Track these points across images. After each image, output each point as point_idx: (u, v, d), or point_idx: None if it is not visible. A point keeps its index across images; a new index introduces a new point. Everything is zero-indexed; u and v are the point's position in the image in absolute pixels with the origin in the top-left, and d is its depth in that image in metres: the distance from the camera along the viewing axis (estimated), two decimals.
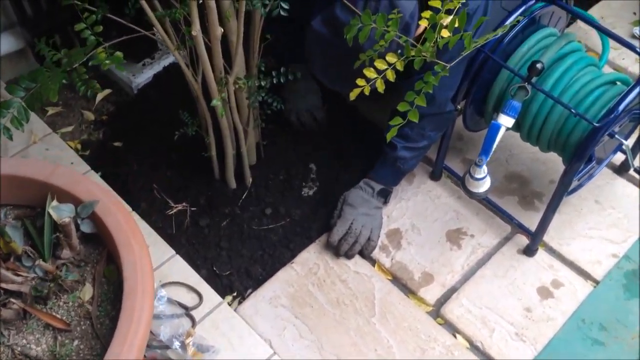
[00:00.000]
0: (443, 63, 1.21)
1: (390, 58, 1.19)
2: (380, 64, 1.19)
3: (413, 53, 1.19)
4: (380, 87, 1.20)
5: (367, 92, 1.20)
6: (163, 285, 1.75)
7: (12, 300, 1.22)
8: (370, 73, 1.19)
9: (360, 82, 1.20)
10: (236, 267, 1.94)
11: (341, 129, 2.24)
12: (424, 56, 1.18)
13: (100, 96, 2.33)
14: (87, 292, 1.29)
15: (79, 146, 2.20)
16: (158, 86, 2.33)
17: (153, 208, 2.02)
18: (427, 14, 1.18)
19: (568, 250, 1.98)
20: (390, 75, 1.20)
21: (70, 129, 2.24)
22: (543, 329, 1.83)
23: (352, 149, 2.18)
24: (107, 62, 1.38)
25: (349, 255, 1.94)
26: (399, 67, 1.20)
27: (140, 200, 2.03)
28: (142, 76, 2.32)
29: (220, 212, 2.02)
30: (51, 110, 2.27)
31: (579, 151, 1.67)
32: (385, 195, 1.99)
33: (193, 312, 1.72)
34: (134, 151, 2.14)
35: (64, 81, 1.38)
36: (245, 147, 1.95)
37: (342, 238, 1.93)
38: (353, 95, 1.21)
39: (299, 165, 2.13)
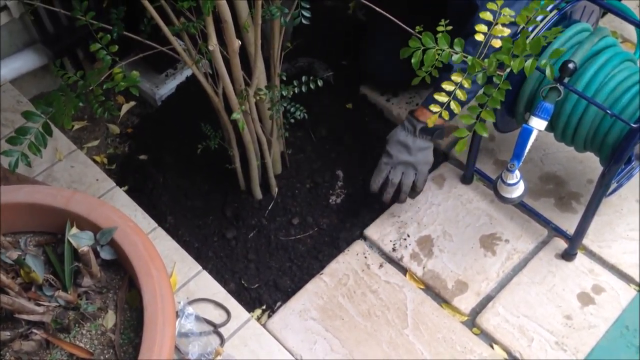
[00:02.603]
0: (501, 73, 1.18)
1: (456, 77, 1.18)
2: (447, 85, 1.19)
3: (478, 69, 1.17)
4: (457, 109, 1.20)
5: (446, 117, 1.22)
6: (191, 302, 1.73)
7: (35, 330, 1.21)
8: (441, 97, 1.19)
9: (434, 107, 1.20)
10: (264, 279, 1.91)
11: (367, 134, 2.18)
12: (484, 69, 1.17)
13: (125, 108, 2.33)
14: (109, 319, 1.28)
15: (105, 160, 2.19)
16: (181, 97, 2.31)
17: (179, 222, 2.01)
18: (482, 28, 1.17)
19: (609, 254, 1.90)
20: (462, 95, 1.19)
21: (96, 143, 2.24)
22: (585, 337, 1.76)
23: (380, 155, 2.13)
24: (122, 83, 1.36)
25: (400, 201, 1.88)
26: (467, 84, 1.19)
27: (166, 214, 2.01)
28: (165, 87, 2.30)
29: (247, 224, 1.99)
30: (77, 125, 2.27)
31: (617, 153, 1.58)
32: (431, 133, 1.80)
33: (221, 329, 1.70)
34: (159, 164, 2.13)
35: (80, 104, 1.36)
36: (270, 157, 1.92)
37: (381, 189, 1.86)
38: (430, 122, 1.25)
39: (325, 173, 2.09)
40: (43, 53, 2.19)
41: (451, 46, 1.17)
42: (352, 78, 2.34)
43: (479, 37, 1.15)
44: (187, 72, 2.34)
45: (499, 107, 1.17)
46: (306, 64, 2.41)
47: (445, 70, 1.32)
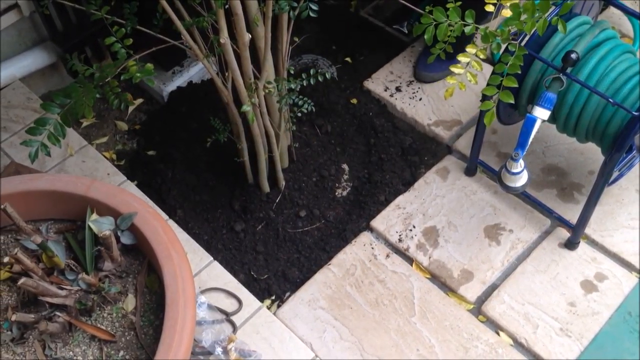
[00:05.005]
0: (516, 42, 1.21)
1: (471, 49, 1.21)
2: (462, 57, 1.21)
3: (490, 40, 1.20)
4: (474, 79, 1.21)
5: (462, 87, 1.22)
6: (203, 292, 1.76)
7: (58, 313, 1.24)
8: (458, 69, 1.21)
9: (450, 79, 1.22)
10: (273, 270, 1.94)
11: (372, 128, 2.22)
12: (498, 41, 1.20)
13: (132, 106, 2.36)
14: (130, 302, 1.31)
15: (114, 156, 2.22)
16: (188, 93, 2.34)
17: (189, 216, 2.04)
18: None
19: (611, 242, 1.94)
20: (478, 66, 1.21)
21: (104, 139, 2.27)
22: (588, 323, 1.80)
23: (384, 148, 2.17)
24: (138, 74, 1.39)
25: None
26: (482, 55, 1.21)
27: (176, 208, 2.05)
28: (172, 84, 2.34)
29: (255, 217, 2.03)
30: (85, 122, 2.30)
31: (619, 141, 1.63)
32: None
33: (233, 317, 1.73)
34: (168, 159, 2.16)
35: (97, 95, 1.39)
36: (278, 151, 1.95)
37: None
38: (447, 94, 1.24)
39: (331, 166, 2.13)
40: (52, 51, 2.22)
41: (462, 18, 1.20)
42: (356, 74, 2.39)
43: (489, 8, 1.18)
44: (194, 69, 2.37)
45: (519, 71, 1.20)
46: (310, 61, 2.45)
47: None
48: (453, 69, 1.21)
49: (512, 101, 1.21)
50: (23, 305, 1.28)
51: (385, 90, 2.33)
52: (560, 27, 1.19)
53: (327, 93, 2.29)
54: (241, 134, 1.89)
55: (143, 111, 2.35)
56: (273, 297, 1.89)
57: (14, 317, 1.20)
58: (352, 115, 2.26)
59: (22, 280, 1.17)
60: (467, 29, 1.19)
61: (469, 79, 1.21)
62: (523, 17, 1.17)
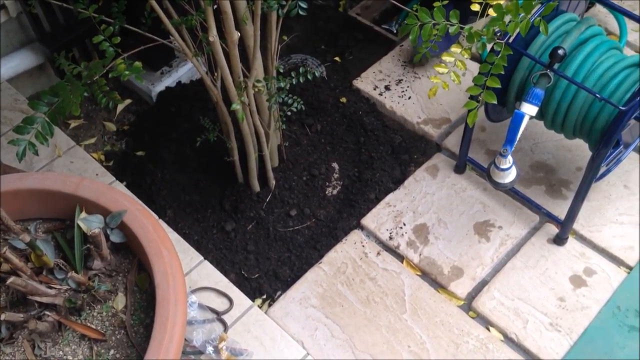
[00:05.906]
0: (502, 42, 1.22)
1: (455, 48, 1.22)
2: (447, 56, 1.22)
3: (475, 39, 1.20)
4: (458, 79, 1.22)
5: (445, 87, 1.24)
6: (193, 291, 1.76)
7: (47, 312, 1.24)
8: (442, 68, 1.22)
9: (434, 79, 1.24)
10: (264, 269, 1.94)
11: (361, 127, 2.23)
12: (483, 40, 1.20)
13: (120, 107, 2.35)
14: (120, 301, 1.30)
15: (102, 157, 2.22)
16: (177, 94, 2.34)
17: (179, 216, 2.03)
18: None
19: (599, 238, 1.95)
20: (462, 65, 1.21)
21: (93, 140, 2.26)
22: (578, 318, 1.81)
23: (374, 147, 2.17)
24: (126, 72, 1.39)
25: None
26: (466, 54, 1.21)
27: (165, 208, 2.04)
28: (161, 84, 2.33)
29: (246, 216, 2.02)
30: (73, 123, 2.29)
31: (606, 136, 1.64)
32: None
33: (224, 317, 1.73)
34: (157, 160, 2.15)
35: (85, 94, 1.38)
36: (268, 150, 1.95)
37: None
38: (431, 94, 1.25)
39: (321, 165, 2.13)
40: (39, 52, 2.21)
41: (447, 19, 1.20)
42: (345, 73, 2.39)
43: (475, 7, 1.18)
44: (183, 70, 2.37)
45: (502, 72, 1.21)
46: (299, 60, 2.45)
47: None
48: (437, 68, 1.22)
49: (494, 102, 1.23)
50: (12, 304, 1.27)
51: (375, 89, 2.33)
52: (542, 28, 1.20)
53: (316, 92, 2.29)
54: (231, 133, 1.89)
55: (132, 112, 2.35)
56: (264, 296, 1.89)
57: (3, 317, 1.20)
58: (341, 114, 2.27)
59: (11, 279, 1.16)
60: (451, 29, 1.20)
61: (452, 78, 1.22)
62: (507, 18, 1.18)
